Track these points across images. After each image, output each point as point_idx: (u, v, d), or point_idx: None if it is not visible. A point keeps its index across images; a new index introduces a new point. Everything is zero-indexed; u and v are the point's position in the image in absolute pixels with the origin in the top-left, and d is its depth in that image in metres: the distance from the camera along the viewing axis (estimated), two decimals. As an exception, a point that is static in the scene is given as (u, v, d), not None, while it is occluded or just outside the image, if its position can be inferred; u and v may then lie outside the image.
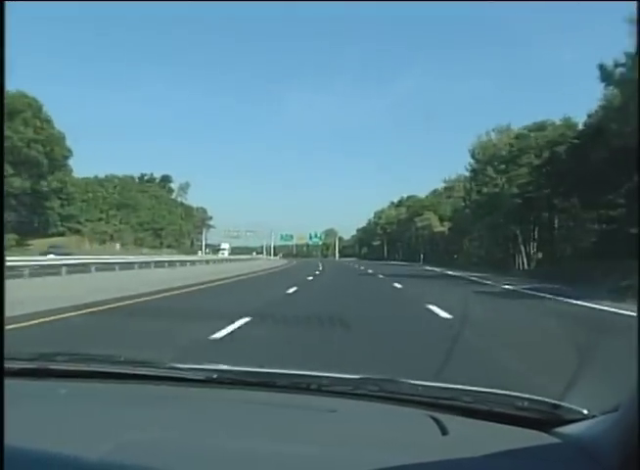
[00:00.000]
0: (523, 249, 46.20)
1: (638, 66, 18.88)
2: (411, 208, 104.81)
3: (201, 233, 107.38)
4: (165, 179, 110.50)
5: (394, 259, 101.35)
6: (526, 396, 1.28)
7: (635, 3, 2.12)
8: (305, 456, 0.98)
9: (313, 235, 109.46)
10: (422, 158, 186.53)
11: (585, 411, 1.17)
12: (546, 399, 1.27)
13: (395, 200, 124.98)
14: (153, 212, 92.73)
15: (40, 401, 1.31)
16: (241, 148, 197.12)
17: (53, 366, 1.49)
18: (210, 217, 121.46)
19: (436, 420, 1.17)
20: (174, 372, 1.49)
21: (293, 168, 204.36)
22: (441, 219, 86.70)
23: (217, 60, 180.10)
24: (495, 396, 1.31)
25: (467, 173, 56.05)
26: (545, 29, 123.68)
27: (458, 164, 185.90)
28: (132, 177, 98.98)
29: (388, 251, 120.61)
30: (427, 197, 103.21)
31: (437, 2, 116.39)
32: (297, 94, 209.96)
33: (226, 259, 55.98)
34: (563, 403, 1.25)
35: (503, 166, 44.98)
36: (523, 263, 46.48)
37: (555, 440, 1.07)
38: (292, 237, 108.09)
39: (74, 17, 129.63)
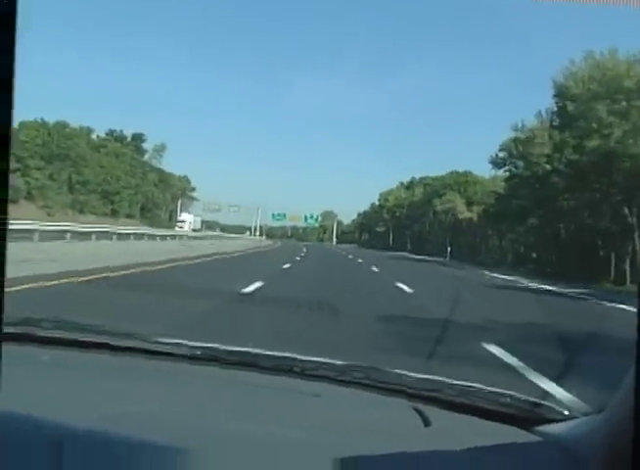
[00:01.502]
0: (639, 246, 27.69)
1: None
2: (429, 187, 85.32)
3: (182, 205, 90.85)
4: (137, 138, 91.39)
5: (404, 250, 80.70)
6: (509, 392, 1.29)
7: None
8: (287, 439, 0.98)
9: (309, 216, 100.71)
10: (430, 145, 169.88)
11: (566, 412, 1.18)
12: (528, 398, 1.28)
13: (405, 181, 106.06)
14: (106, 172, 73.56)
15: (20, 368, 1.23)
16: (242, 124, 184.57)
17: (37, 332, 1.47)
18: (193, 189, 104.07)
19: (419, 411, 1.18)
20: (158, 346, 1.49)
21: (293, 147, 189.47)
22: (469, 203, 67.94)
23: (226, 37, 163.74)
24: (478, 391, 1.32)
25: (541, 122, 37.34)
26: (552, 26, 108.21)
27: (463, 158, 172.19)
28: (89, 129, 79.54)
29: (393, 239, 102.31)
30: (448, 174, 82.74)
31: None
32: (303, 78, 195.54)
33: (173, 236, 41.57)
34: (544, 402, 1.27)
35: (624, 104, 26.25)
36: (631, 271, 28.21)
37: (536, 438, 1.09)
38: (284, 216, 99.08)
39: None
